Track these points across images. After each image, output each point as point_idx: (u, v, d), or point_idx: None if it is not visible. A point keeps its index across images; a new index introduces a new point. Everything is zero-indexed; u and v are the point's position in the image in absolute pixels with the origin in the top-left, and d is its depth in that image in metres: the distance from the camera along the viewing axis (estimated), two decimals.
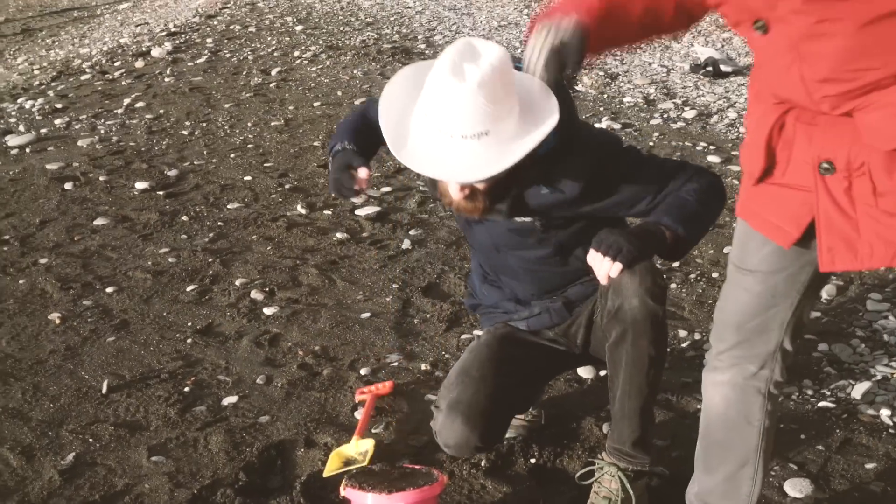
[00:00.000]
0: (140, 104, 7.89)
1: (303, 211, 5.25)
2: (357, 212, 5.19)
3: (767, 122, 1.93)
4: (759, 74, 1.94)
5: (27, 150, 6.67)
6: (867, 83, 1.71)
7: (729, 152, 6.15)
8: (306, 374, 3.52)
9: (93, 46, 11.38)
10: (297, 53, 9.73)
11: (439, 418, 2.60)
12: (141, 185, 5.72)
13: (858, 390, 3.30)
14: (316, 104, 7.62)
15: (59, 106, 8.00)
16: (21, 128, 7.32)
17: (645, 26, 2.10)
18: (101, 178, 5.90)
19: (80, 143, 6.77)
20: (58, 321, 3.98)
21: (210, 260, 4.60)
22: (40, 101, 8.26)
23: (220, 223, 5.11)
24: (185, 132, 7.00)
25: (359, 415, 3.24)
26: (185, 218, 5.20)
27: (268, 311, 4.05)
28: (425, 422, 3.14)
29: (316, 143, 6.56)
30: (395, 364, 3.59)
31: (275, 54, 9.77)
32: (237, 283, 4.33)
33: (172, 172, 6.00)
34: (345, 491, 2.49)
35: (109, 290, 4.30)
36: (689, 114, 7.21)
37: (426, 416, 3.17)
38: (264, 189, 5.66)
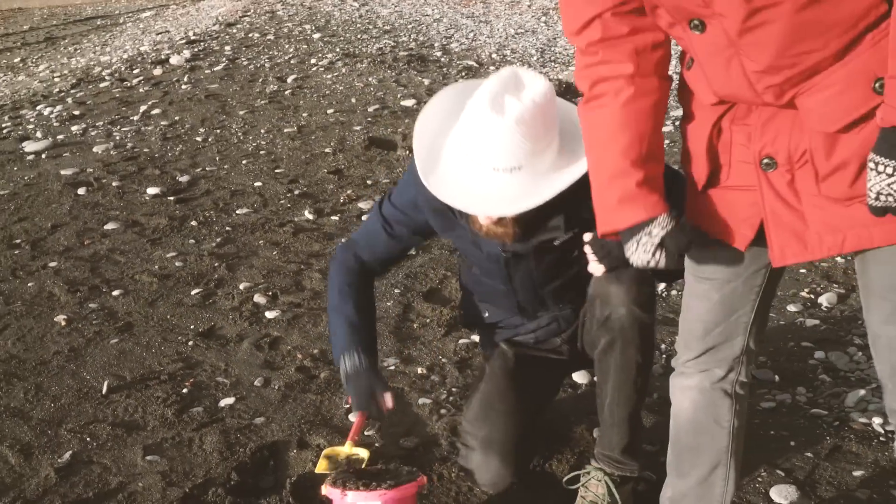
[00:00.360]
0: (156, 111, 7.99)
1: (310, 216, 5.30)
2: (363, 217, 5.23)
3: (704, 127, 1.94)
4: (694, 76, 1.93)
5: (43, 156, 6.77)
6: (808, 66, 1.72)
7: None
8: (303, 377, 3.56)
9: (113, 54, 11.51)
10: (313, 61, 9.81)
11: (474, 458, 2.64)
12: (152, 190, 5.80)
13: (852, 398, 3.30)
14: (329, 111, 7.68)
15: (76, 113, 8.11)
16: (38, 134, 7.43)
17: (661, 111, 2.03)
18: (113, 184, 5.98)
19: (95, 149, 6.86)
20: (63, 323, 4.05)
21: (216, 264, 4.66)
22: (59, 108, 8.37)
23: (227, 228, 5.17)
24: (198, 138, 7.08)
25: (353, 418, 3.27)
26: (193, 223, 5.26)
27: (270, 314, 4.09)
28: (418, 424, 3.18)
29: (327, 150, 6.62)
30: (392, 368, 3.62)
31: (291, 62, 9.86)
32: (241, 287, 4.39)
33: (184, 178, 6.07)
34: (325, 490, 2.52)
35: (116, 293, 4.36)
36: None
37: (418, 419, 3.22)
38: (274, 195, 5.72)
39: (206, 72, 9.57)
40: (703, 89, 1.92)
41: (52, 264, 4.72)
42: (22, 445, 3.15)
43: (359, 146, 6.63)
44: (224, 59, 10.15)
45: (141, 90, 8.93)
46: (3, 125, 7.94)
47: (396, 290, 4.30)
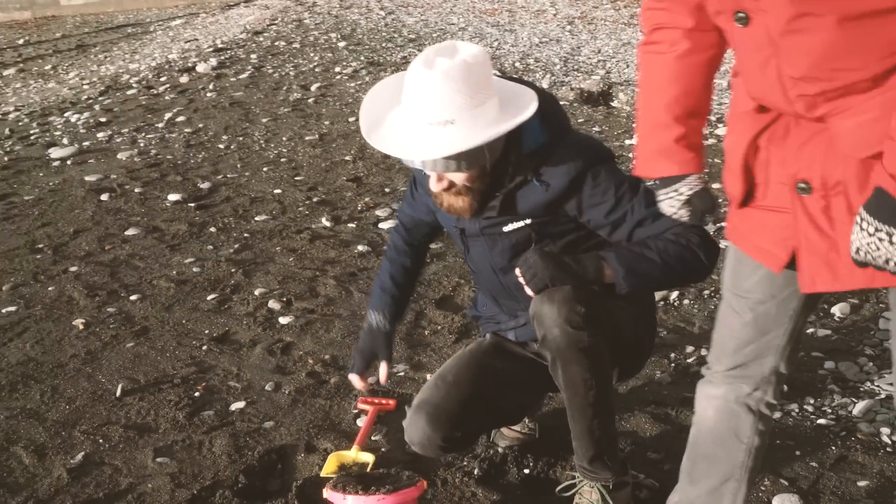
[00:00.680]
0: (181, 118, 8.08)
1: (327, 223, 5.35)
2: (380, 225, 5.28)
3: (742, 144, 1.94)
4: (737, 80, 1.95)
5: (68, 162, 6.88)
6: (845, 84, 1.70)
7: None
8: (314, 382, 3.60)
9: (142, 62, 11.65)
10: (337, 69, 9.89)
11: (407, 416, 2.70)
12: (173, 196, 5.88)
13: (859, 408, 3.29)
14: (351, 119, 7.74)
15: (103, 120, 8.22)
16: (65, 140, 7.55)
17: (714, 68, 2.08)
18: (136, 190, 6.07)
19: (119, 155, 6.96)
20: (81, 327, 4.12)
21: (233, 270, 4.72)
22: (86, 114, 8.49)
23: (246, 234, 5.23)
24: (221, 146, 7.16)
25: (360, 423, 3.31)
26: (212, 229, 5.33)
27: (283, 320, 4.15)
28: None
29: (347, 158, 6.68)
30: (401, 374, 3.66)
31: (316, 70, 9.94)
32: (256, 292, 4.44)
33: (205, 185, 6.15)
34: (326, 493, 2.56)
35: (133, 297, 4.43)
36: (722, 131, 7.20)
37: None
38: (293, 202, 5.78)
39: (232, 79, 9.67)
40: (742, 94, 1.93)
41: (73, 269, 4.80)
42: (36, 446, 3.21)
43: (378, 154, 6.67)
44: (250, 67, 10.26)
45: (167, 97, 9.04)
46: (32, 132, 8.07)
47: None
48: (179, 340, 4.00)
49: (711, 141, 6.96)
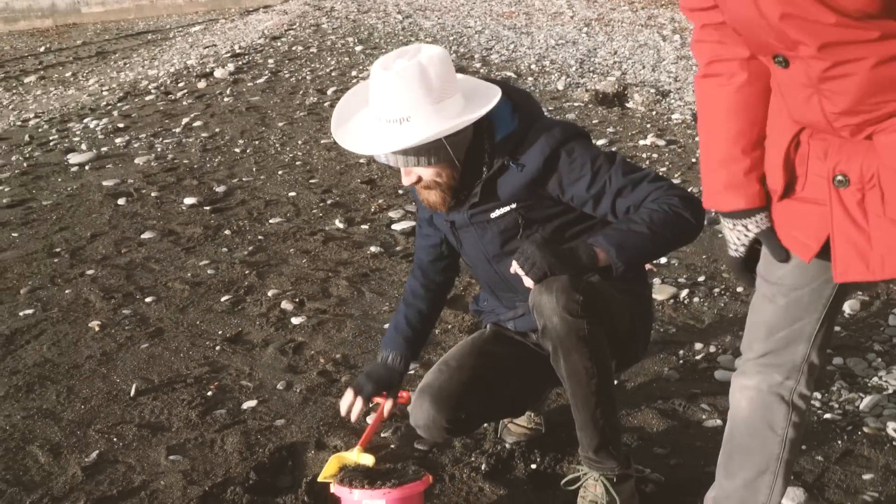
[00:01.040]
0: (198, 123, 8.16)
1: (341, 225, 5.40)
2: (393, 226, 5.33)
3: (784, 140, 1.99)
4: (779, 98, 1.99)
5: (86, 167, 6.96)
6: (887, 112, 1.76)
7: None
8: (325, 381, 3.65)
9: (161, 68, 11.76)
10: (354, 73, 9.95)
11: (412, 401, 2.75)
12: (189, 200, 5.94)
13: (866, 403, 3.31)
14: None
15: (121, 125, 8.31)
16: (83, 146, 7.64)
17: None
18: (152, 194, 6.14)
19: (136, 160, 7.04)
20: (97, 328, 4.18)
21: (247, 272, 4.77)
22: (105, 120, 8.59)
23: (260, 237, 5.29)
24: (237, 150, 7.23)
25: (370, 420, 3.34)
26: (227, 232, 5.39)
27: (295, 320, 4.19)
28: None
29: (362, 161, 6.72)
30: (412, 372, 3.69)
31: (332, 74, 10.01)
32: (269, 293, 4.49)
33: (221, 188, 6.21)
34: (333, 488, 2.60)
35: (148, 299, 4.49)
36: None
37: None
38: (307, 204, 5.83)
39: (249, 84, 9.75)
40: (786, 111, 1.98)
41: (90, 272, 4.87)
42: (52, 445, 3.27)
43: None
44: (267, 71, 10.33)
45: (185, 103, 9.13)
46: (51, 138, 8.17)
47: None
48: (193, 341, 4.05)
49: None
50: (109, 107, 9.34)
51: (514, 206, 2.60)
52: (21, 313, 4.43)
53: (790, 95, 1.90)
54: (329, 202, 5.85)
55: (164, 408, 3.50)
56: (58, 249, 5.24)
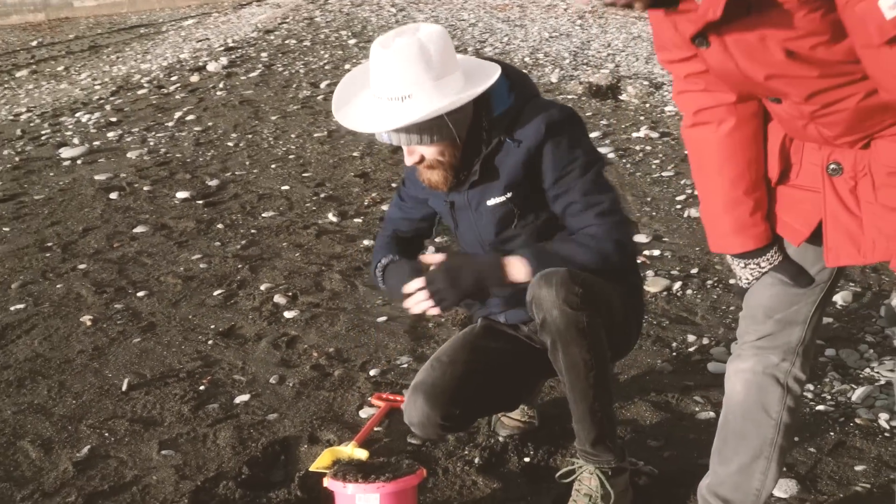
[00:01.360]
0: (191, 117, 8.13)
1: (334, 219, 5.39)
2: None
3: (780, 131, 2.03)
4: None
5: (79, 161, 6.93)
6: (880, 129, 1.83)
7: None
8: (318, 375, 3.63)
9: (153, 62, 11.72)
10: (347, 66, 9.92)
11: (406, 399, 2.73)
12: (182, 194, 5.92)
13: (859, 394, 3.30)
14: None
15: (113, 119, 8.28)
16: (76, 140, 7.61)
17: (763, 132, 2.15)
18: (145, 188, 6.12)
19: (129, 154, 7.02)
20: (89, 323, 4.17)
21: (239, 266, 4.76)
22: (97, 114, 8.56)
23: (253, 231, 5.27)
24: (230, 143, 7.21)
25: (364, 414, 3.34)
26: (220, 226, 5.37)
27: (288, 314, 4.18)
28: None
29: (355, 154, 6.71)
30: (405, 366, 3.68)
31: (326, 67, 9.98)
32: (262, 287, 4.48)
33: (213, 182, 6.19)
34: (327, 482, 2.59)
35: (141, 294, 4.48)
36: None
37: None
38: (300, 198, 5.82)
39: (242, 78, 9.72)
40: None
41: (82, 266, 4.85)
42: (43, 440, 3.25)
43: (386, 150, 6.70)
44: (260, 65, 10.30)
45: (177, 97, 9.10)
46: (43, 132, 8.14)
47: None
48: (185, 335, 4.03)
49: None
50: (102, 101, 9.30)
51: (509, 195, 2.60)
52: (12, 308, 4.41)
53: (786, 123, 1.96)
54: (322, 196, 5.83)
55: (157, 402, 3.48)
56: (49, 244, 5.22)
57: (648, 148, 6.70)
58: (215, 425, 3.31)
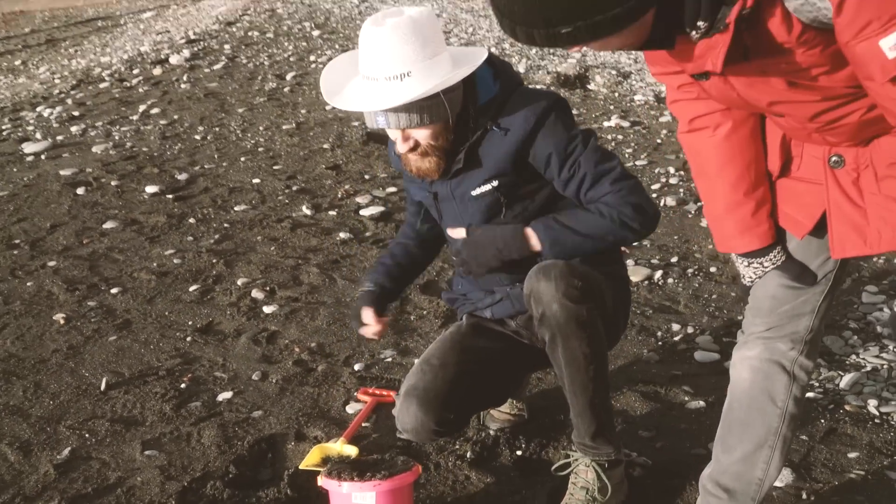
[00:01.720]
0: (155, 110, 8.01)
1: (308, 212, 5.32)
2: (361, 212, 5.26)
3: None
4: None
5: (42, 156, 6.79)
6: (885, 130, 1.85)
7: None
8: (301, 370, 3.58)
9: (113, 55, 11.53)
10: (312, 58, 9.83)
11: (398, 404, 2.67)
12: (151, 188, 5.82)
13: (846, 381, 3.31)
14: (328, 107, 7.68)
15: (76, 113, 8.13)
16: (38, 135, 7.46)
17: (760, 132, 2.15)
18: (112, 183, 6.01)
19: (94, 149, 6.89)
20: (62, 321, 4.07)
21: (214, 261, 4.68)
22: (59, 109, 8.40)
23: (226, 225, 5.19)
24: (197, 137, 7.10)
25: (350, 409, 3.29)
26: (192, 220, 5.28)
27: (267, 309, 4.11)
28: None
29: (325, 146, 6.63)
30: (389, 360, 3.64)
31: (291, 59, 9.87)
32: (239, 282, 4.41)
33: (183, 176, 6.09)
34: (321, 481, 2.53)
35: (114, 290, 4.38)
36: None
37: None
38: (272, 191, 5.74)
39: (206, 71, 9.59)
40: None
41: (51, 263, 4.74)
42: (21, 443, 3.17)
43: (357, 141, 6.64)
44: (223, 57, 10.17)
45: (140, 90, 8.95)
46: (3, 127, 7.97)
47: None
48: (163, 332, 3.95)
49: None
50: (63, 95, 9.13)
51: (495, 184, 2.56)
52: None
53: (789, 131, 1.98)
54: (294, 188, 5.76)
55: (137, 401, 3.41)
56: (17, 241, 5.10)
57: (620, 137, 6.69)
58: (199, 424, 3.24)
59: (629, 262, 4.41)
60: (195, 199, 5.65)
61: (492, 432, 3.07)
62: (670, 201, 5.14)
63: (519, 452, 3.00)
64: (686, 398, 3.27)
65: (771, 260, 2.12)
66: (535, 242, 2.47)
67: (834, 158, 1.93)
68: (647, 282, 4.23)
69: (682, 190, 5.38)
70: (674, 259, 4.44)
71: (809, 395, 3.25)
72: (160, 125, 7.51)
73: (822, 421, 3.08)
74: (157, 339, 3.89)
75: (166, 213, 5.39)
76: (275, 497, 2.82)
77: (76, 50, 13.04)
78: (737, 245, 2.14)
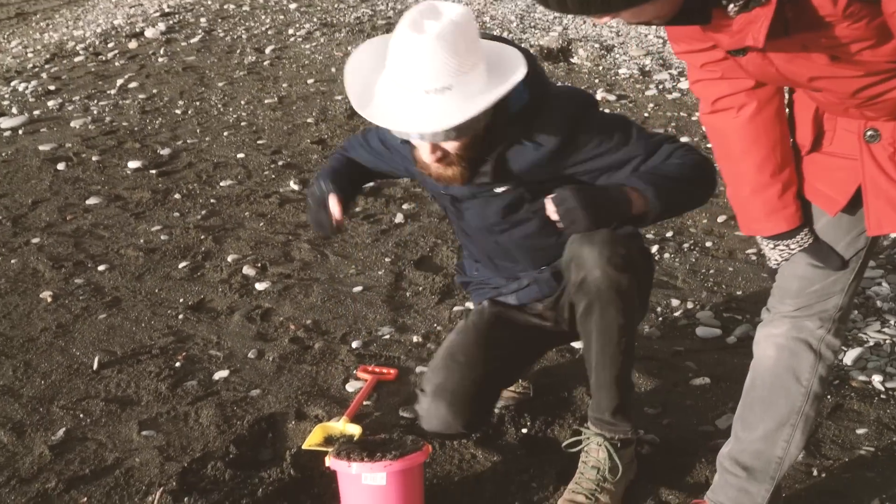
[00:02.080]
0: (133, 84, 7.85)
1: (296, 187, 5.24)
2: None
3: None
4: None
5: (20, 132, 6.65)
6: None
7: None
8: (298, 348, 3.52)
9: (87, 28, 11.31)
10: (290, 31, 9.68)
11: (424, 403, 2.62)
12: (134, 164, 5.70)
13: (850, 357, 3.29)
14: (310, 81, 7.58)
15: (52, 88, 7.96)
16: (14, 110, 7.30)
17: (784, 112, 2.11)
18: (93, 159, 5.88)
19: (72, 124, 6.74)
20: (49, 299, 3.98)
21: (202, 237, 4.59)
22: (34, 83, 8.22)
23: (212, 200, 5.10)
24: (178, 111, 6.98)
25: (350, 387, 3.24)
26: (177, 196, 5.18)
27: (260, 286, 4.04)
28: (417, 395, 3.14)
29: (309, 120, 6.53)
30: (387, 337, 3.58)
31: (269, 32, 9.73)
32: (229, 259, 4.33)
33: (165, 151, 5.98)
34: (329, 461, 2.48)
35: (101, 268, 4.29)
36: (685, 84, 7.16)
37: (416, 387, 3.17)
38: (257, 166, 5.65)
39: (183, 44, 9.43)
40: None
41: (35, 240, 4.64)
42: (14, 424, 3.09)
43: (341, 115, 6.54)
44: (200, 30, 10.00)
45: (116, 64, 8.78)
46: None
47: (387, 259, 4.25)
48: (154, 310, 3.87)
49: (675, 95, 6.93)
50: (37, 69, 8.94)
51: (521, 187, 2.49)
52: None
53: (827, 106, 1.93)
54: (280, 163, 5.66)
55: (131, 381, 3.34)
56: None
57: (607, 111, 6.62)
58: (196, 403, 3.18)
59: None
60: (179, 175, 5.54)
61: (497, 410, 3.03)
62: None
63: (524, 430, 2.96)
64: (690, 374, 3.25)
65: (798, 242, 2.08)
66: (639, 205, 2.32)
67: (870, 132, 1.89)
68: None
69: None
70: (669, 234, 4.41)
71: None
72: (139, 99, 7.36)
73: (829, 397, 3.06)
74: (149, 317, 3.81)
75: (150, 189, 5.28)
76: (277, 477, 2.77)
77: (48, 24, 12.79)
78: (763, 228, 2.10)
